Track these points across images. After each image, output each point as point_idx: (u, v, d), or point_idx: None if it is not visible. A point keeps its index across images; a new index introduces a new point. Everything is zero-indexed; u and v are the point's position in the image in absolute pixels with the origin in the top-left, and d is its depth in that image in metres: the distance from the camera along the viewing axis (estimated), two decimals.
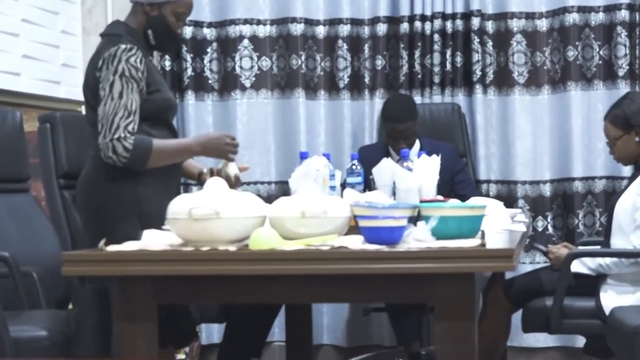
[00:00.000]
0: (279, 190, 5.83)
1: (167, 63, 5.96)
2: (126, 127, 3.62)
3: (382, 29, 5.84)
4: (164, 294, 3.01)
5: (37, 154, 4.35)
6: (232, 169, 3.87)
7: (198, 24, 5.94)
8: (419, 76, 5.82)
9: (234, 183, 3.81)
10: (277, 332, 5.66)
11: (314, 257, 2.88)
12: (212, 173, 3.93)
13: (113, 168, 3.67)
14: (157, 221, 3.44)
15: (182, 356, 5.40)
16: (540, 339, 5.69)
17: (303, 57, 5.92)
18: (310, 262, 2.88)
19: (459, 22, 5.79)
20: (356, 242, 2.97)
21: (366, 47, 5.88)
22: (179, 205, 2.99)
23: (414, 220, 3.10)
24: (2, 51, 5.04)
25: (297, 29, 5.90)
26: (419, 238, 2.94)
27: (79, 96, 5.68)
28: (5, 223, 4.19)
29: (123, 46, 3.67)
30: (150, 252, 2.98)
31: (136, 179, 3.70)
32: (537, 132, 5.78)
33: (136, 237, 3.20)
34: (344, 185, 3.81)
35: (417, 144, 5.22)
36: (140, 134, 3.66)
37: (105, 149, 3.62)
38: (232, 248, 2.95)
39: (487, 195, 5.61)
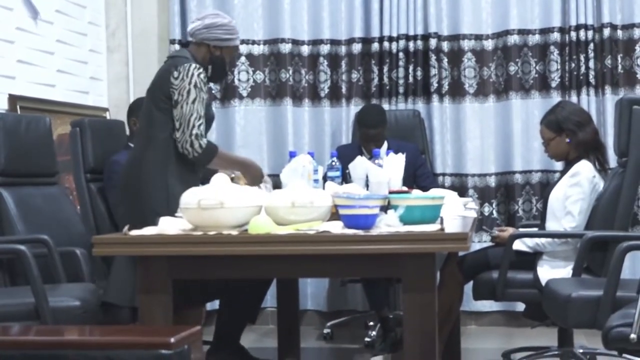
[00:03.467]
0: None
1: None
2: (199, 127, 3.71)
3: (356, 48, 5.83)
4: (178, 271, 3.01)
5: (69, 152, 4.32)
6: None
7: None
8: (387, 87, 5.81)
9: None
10: (270, 299, 5.63)
11: (303, 239, 2.88)
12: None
13: (148, 160, 3.73)
14: None
15: None
16: (487, 305, 5.69)
17: (290, 72, 5.90)
18: (299, 244, 2.88)
19: (420, 43, 5.78)
20: (337, 227, 2.97)
21: (343, 63, 5.86)
22: (190, 197, 2.98)
23: (384, 208, 3.09)
24: (40, 67, 5.00)
25: (286, 48, 5.88)
26: (389, 223, 2.94)
27: (105, 104, 5.68)
28: (42, 209, 4.16)
29: (194, 64, 3.74)
30: (166, 236, 2.98)
31: (166, 170, 3.75)
32: (484, 133, 5.78)
33: (163, 213, 3.24)
34: (325, 178, 3.81)
35: (385, 144, 5.20)
36: None
37: (184, 142, 3.70)
38: (234, 232, 2.94)
39: (443, 186, 5.60)
